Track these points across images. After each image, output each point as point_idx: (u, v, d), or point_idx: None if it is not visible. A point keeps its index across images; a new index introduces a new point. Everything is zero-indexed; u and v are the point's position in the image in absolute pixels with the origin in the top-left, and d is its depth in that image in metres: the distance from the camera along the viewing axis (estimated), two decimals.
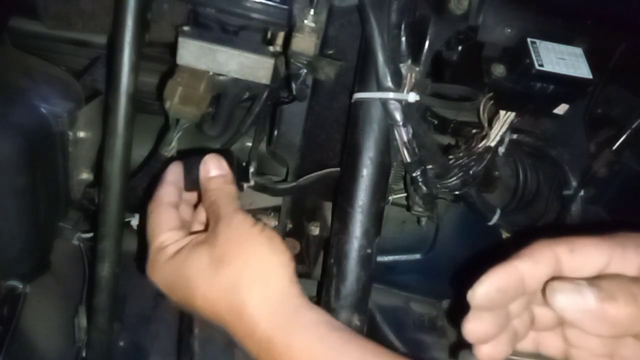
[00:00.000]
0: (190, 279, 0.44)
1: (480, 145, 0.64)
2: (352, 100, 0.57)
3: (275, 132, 0.69)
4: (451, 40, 0.60)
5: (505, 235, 0.80)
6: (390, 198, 0.70)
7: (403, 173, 0.63)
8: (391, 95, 0.53)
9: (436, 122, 0.67)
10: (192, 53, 0.56)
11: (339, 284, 0.55)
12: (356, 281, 0.54)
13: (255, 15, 0.59)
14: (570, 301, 0.30)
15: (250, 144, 0.75)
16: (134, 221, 0.76)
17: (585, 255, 0.33)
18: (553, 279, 0.32)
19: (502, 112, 0.63)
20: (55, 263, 0.73)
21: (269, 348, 0.40)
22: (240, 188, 0.52)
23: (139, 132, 0.57)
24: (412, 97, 0.53)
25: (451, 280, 0.90)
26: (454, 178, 0.63)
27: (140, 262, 0.51)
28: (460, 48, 0.62)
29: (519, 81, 0.57)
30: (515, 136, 0.70)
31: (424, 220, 0.77)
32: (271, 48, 0.60)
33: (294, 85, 0.61)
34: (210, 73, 0.60)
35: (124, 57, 0.49)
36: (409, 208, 0.67)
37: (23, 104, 0.59)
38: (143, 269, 0.50)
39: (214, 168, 0.49)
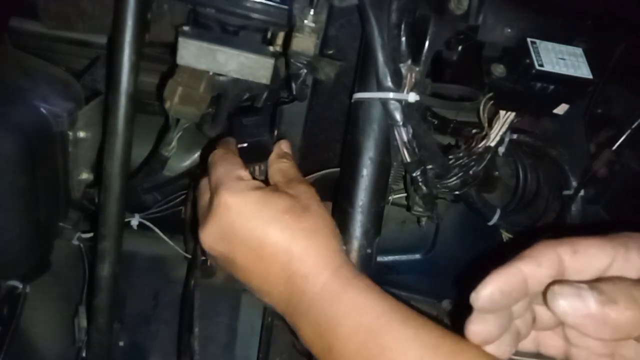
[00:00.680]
0: (275, 211, 0.46)
1: (480, 145, 0.64)
2: (352, 100, 0.57)
3: (276, 132, 0.69)
4: (451, 40, 0.60)
5: (505, 235, 0.80)
6: (390, 198, 0.70)
7: (403, 173, 0.63)
8: (391, 95, 0.53)
9: (436, 122, 0.67)
10: (192, 53, 0.56)
11: None
12: None
13: (255, 15, 0.59)
14: (571, 305, 0.30)
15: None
16: (134, 221, 0.76)
17: (588, 257, 0.33)
18: (555, 281, 0.32)
19: (502, 112, 0.63)
20: (55, 263, 0.73)
21: (334, 286, 0.42)
22: None
23: (139, 132, 0.57)
24: (412, 97, 0.53)
25: (451, 280, 0.90)
26: (454, 178, 0.63)
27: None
28: (460, 48, 0.62)
29: (519, 81, 0.57)
30: (515, 136, 0.70)
31: (424, 220, 0.77)
32: (271, 48, 0.60)
33: (294, 85, 0.61)
34: (210, 73, 0.59)
35: (124, 57, 0.49)
36: (409, 208, 0.67)
37: (23, 104, 0.59)
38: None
39: (285, 146, 0.56)
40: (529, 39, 0.57)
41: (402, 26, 0.52)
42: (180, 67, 0.58)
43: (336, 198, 0.59)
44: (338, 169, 0.62)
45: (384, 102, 0.54)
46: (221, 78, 0.61)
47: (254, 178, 0.51)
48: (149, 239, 0.79)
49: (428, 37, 0.55)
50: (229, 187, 0.47)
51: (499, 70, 0.58)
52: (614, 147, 0.69)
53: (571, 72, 0.56)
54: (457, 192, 0.66)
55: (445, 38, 0.57)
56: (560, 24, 0.59)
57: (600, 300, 0.30)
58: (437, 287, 0.91)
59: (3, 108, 0.56)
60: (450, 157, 0.64)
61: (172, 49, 0.58)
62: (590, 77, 0.57)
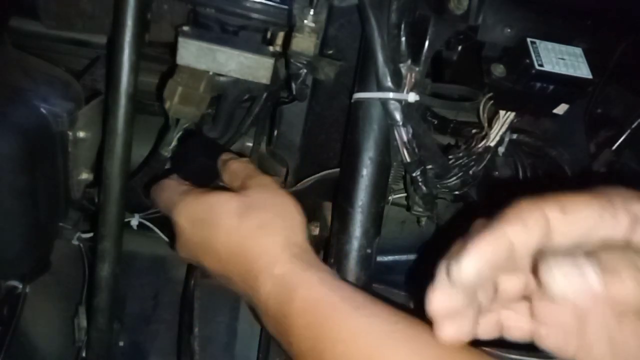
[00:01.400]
0: (219, 215, 0.47)
1: (480, 145, 0.64)
2: (352, 100, 0.57)
3: (275, 132, 0.69)
4: (451, 40, 0.60)
5: None
6: (390, 198, 0.70)
7: (403, 173, 0.63)
8: (391, 95, 0.53)
9: (436, 122, 0.67)
10: (192, 53, 0.56)
11: None
12: (356, 281, 0.54)
13: (255, 16, 0.59)
14: (570, 280, 0.26)
15: (250, 144, 0.75)
16: (134, 221, 0.76)
17: (578, 217, 0.28)
18: (541, 251, 0.28)
19: (502, 112, 0.63)
20: (55, 263, 0.73)
21: (284, 284, 0.42)
22: None
23: (139, 132, 0.57)
24: (412, 97, 0.53)
25: None
26: (454, 178, 0.63)
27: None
28: (460, 48, 0.62)
29: (519, 81, 0.57)
30: (515, 136, 0.70)
31: (423, 220, 0.77)
32: (271, 48, 0.60)
33: (294, 85, 0.61)
34: (210, 73, 0.59)
35: (124, 57, 0.49)
36: (409, 208, 0.67)
37: (23, 104, 0.59)
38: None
39: (225, 155, 0.56)
40: (528, 39, 0.57)
41: (402, 26, 0.52)
42: (180, 67, 0.58)
43: (336, 198, 0.59)
44: (338, 169, 0.62)
45: (384, 102, 0.54)
46: (221, 78, 0.61)
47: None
48: (149, 239, 0.79)
49: (428, 37, 0.55)
50: (174, 204, 0.51)
51: (498, 70, 0.58)
52: (614, 147, 0.69)
53: (571, 72, 0.56)
54: (457, 192, 0.66)
55: (445, 38, 0.57)
56: (560, 24, 0.59)
57: (600, 272, 0.26)
58: None
59: (3, 108, 0.56)
60: (450, 157, 0.64)
61: (172, 49, 0.58)
62: (590, 77, 0.57)
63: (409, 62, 0.54)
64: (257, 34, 0.62)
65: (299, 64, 0.58)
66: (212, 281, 0.75)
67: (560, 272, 0.26)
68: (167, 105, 0.61)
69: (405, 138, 0.55)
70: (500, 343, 0.36)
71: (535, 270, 0.28)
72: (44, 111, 0.60)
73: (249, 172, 0.52)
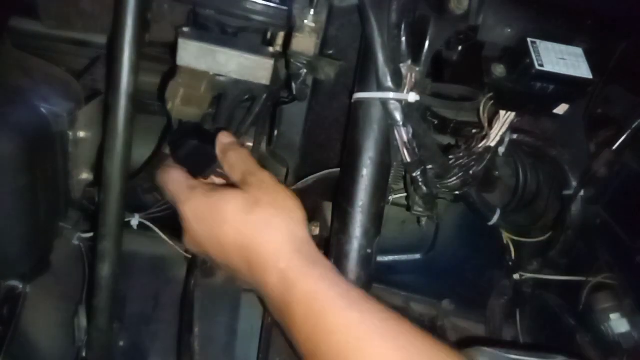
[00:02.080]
0: (226, 212, 0.49)
1: (480, 145, 0.64)
2: (352, 100, 0.57)
3: (275, 132, 0.69)
4: (451, 40, 0.60)
5: (505, 235, 0.80)
6: (390, 198, 0.70)
7: (403, 173, 0.63)
8: (391, 95, 0.53)
9: (436, 122, 0.67)
10: (192, 54, 0.56)
11: None
12: (356, 281, 0.54)
13: (255, 17, 0.59)
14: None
15: (250, 144, 0.75)
16: (134, 221, 0.76)
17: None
18: None
19: (502, 112, 0.63)
20: (55, 263, 0.73)
21: (287, 277, 0.45)
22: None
23: (139, 132, 0.57)
24: (412, 97, 0.53)
25: (451, 280, 0.90)
26: (454, 178, 0.63)
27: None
28: (460, 48, 0.62)
29: (519, 81, 0.57)
30: (515, 136, 0.70)
31: (424, 220, 0.77)
32: (271, 49, 0.60)
33: (294, 85, 0.61)
34: (211, 73, 0.60)
35: (124, 57, 0.49)
36: (409, 208, 0.67)
37: (23, 104, 0.59)
38: None
39: (224, 137, 0.57)
40: (529, 39, 0.57)
41: (402, 26, 0.52)
42: (181, 68, 0.58)
43: (336, 198, 0.59)
44: (338, 169, 0.62)
45: (384, 102, 0.54)
46: (222, 78, 0.61)
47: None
48: (149, 239, 0.79)
49: (428, 37, 0.55)
50: (181, 201, 0.52)
51: (499, 70, 0.58)
52: (614, 147, 0.69)
53: (571, 72, 0.56)
54: (457, 192, 0.66)
55: (445, 38, 0.57)
56: (560, 24, 0.59)
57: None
58: (437, 287, 0.91)
59: (3, 108, 0.56)
60: (450, 157, 0.64)
61: (172, 49, 0.58)
62: (590, 77, 0.57)
63: (409, 62, 0.54)
64: (257, 34, 0.62)
65: (299, 64, 0.58)
66: (212, 281, 0.76)
67: None
68: (169, 106, 0.61)
69: (405, 138, 0.54)
70: (500, 343, 0.37)
71: None
72: (44, 111, 0.60)
73: (249, 167, 0.54)
